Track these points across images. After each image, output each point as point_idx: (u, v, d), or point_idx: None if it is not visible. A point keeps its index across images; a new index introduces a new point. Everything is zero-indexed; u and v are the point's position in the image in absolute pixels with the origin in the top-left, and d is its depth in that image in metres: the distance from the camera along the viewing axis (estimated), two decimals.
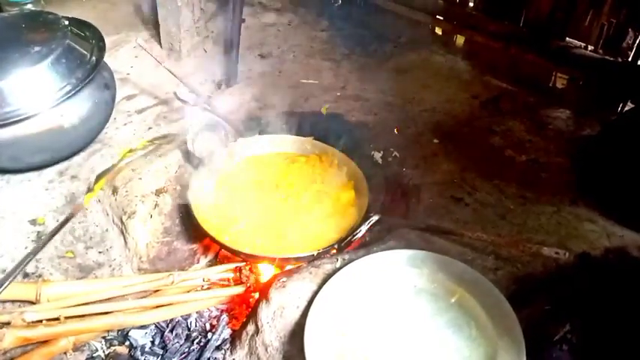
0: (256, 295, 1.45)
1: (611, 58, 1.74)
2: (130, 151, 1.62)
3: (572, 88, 1.82)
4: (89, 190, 1.51)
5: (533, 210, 1.43)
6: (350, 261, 1.27)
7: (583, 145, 1.63)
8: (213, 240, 1.36)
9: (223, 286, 1.48)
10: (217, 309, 1.49)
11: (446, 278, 1.20)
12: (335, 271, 1.25)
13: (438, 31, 2.15)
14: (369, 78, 1.98)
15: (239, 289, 1.46)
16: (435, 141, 1.68)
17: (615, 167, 1.42)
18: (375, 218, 1.31)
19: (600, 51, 1.77)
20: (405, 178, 1.59)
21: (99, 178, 1.53)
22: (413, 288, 1.21)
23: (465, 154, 1.62)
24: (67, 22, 1.61)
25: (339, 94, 1.90)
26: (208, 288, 1.48)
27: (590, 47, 1.79)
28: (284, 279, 1.26)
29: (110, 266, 1.48)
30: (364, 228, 1.30)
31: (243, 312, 1.49)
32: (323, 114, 1.80)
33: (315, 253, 1.31)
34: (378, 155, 1.70)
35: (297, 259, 1.32)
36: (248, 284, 1.46)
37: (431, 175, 1.56)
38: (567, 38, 1.77)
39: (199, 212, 1.42)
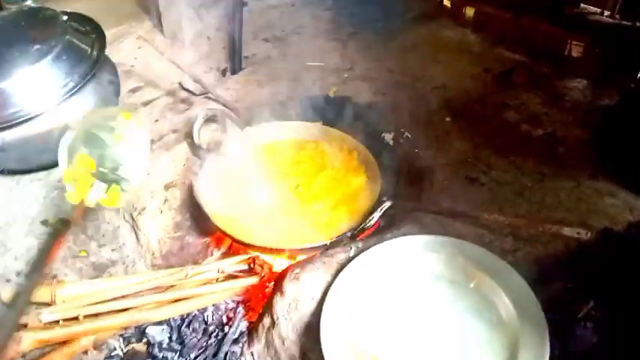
0: (271, 285, 1.44)
1: (629, 23, 1.66)
2: None
3: (588, 56, 1.74)
4: None
5: (551, 186, 1.38)
6: (364, 249, 1.24)
7: (602, 115, 1.57)
8: (224, 233, 1.34)
9: (238, 277, 1.47)
10: (233, 301, 1.48)
11: (464, 263, 1.17)
12: (349, 260, 1.23)
13: (447, 3, 2.08)
14: (376, 57, 1.92)
15: (253, 280, 1.44)
16: (448, 119, 1.63)
17: (636, 137, 1.36)
18: (387, 204, 1.27)
19: (617, 16, 1.69)
20: (418, 159, 1.55)
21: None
22: (430, 274, 1.18)
23: (478, 131, 1.57)
24: (65, 18, 1.58)
25: (346, 75, 1.85)
26: (223, 280, 1.48)
27: (606, 13, 1.71)
28: (297, 270, 1.23)
29: (124, 263, 1.47)
30: (377, 215, 1.27)
31: (259, 302, 1.48)
32: (331, 97, 1.75)
33: (328, 243, 1.28)
34: (388, 137, 1.66)
35: (310, 249, 1.29)
36: (262, 274, 1.45)
37: (444, 155, 1.51)
38: (582, 4, 1.69)
39: (209, 205, 1.40)
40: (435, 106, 1.68)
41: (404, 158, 1.58)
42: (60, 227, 1.37)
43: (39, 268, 1.29)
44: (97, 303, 1.29)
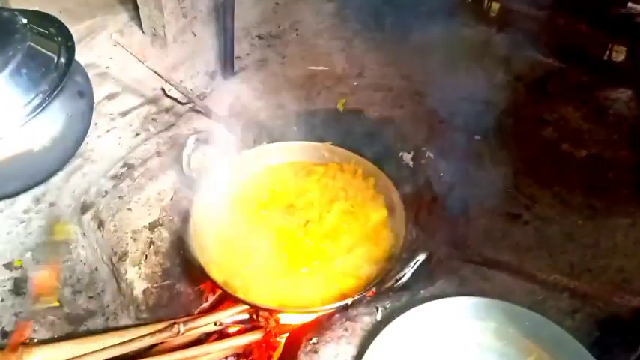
0: (278, 340, 1.23)
1: None
2: None
3: (632, 62, 1.53)
4: None
5: (605, 225, 1.19)
6: (393, 311, 1.04)
7: None
8: (222, 290, 1.12)
9: (237, 332, 1.27)
10: (233, 355, 1.28)
11: (518, 333, 0.97)
12: (376, 326, 1.02)
13: None
14: (388, 60, 1.68)
15: (257, 335, 1.24)
16: (477, 137, 1.41)
17: None
18: (422, 257, 1.06)
19: None
20: (443, 186, 1.33)
21: None
22: (476, 346, 0.98)
23: (514, 153, 1.37)
24: (25, 21, 1.31)
25: (355, 83, 1.61)
26: (221, 333, 1.27)
27: None
28: (314, 340, 1.03)
29: (104, 314, 1.26)
30: (409, 271, 1.05)
31: (264, 355, 1.29)
32: (340, 110, 1.52)
33: (350, 302, 1.07)
34: (407, 157, 1.44)
35: (327, 309, 1.08)
36: (267, 328, 1.24)
37: (477, 183, 1.30)
38: (629, 4, 1.47)
39: (202, 251, 1.18)
40: (462, 121, 1.45)
41: (427, 185, 1.36)
42: None
43: None
44: None
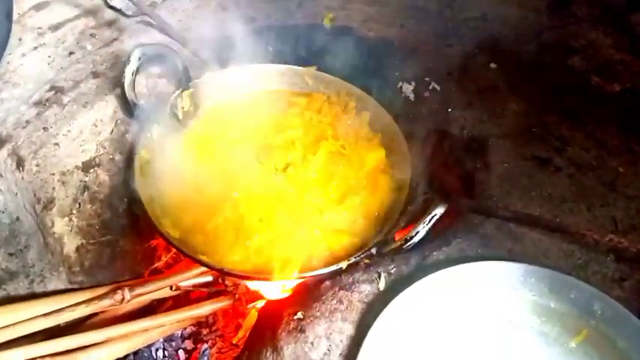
0: (251, 308, 1.02)
1: None
2: None
3: None
4: None
5: None
6: (399, 278, 0.82)
7: None
8: (178, 249, 0.87)
9: (200, 298, 1.03)
10: (193, 326, 1.06)
11: (561, 308, 0.77)
12: (378, 297, 0.80)
13: None
14: None
15: (223, 303, 1.01)
16: (492, 65, 1.19)
17: None
18: (440, 211, 0.82)
19: None
20: (456, 124, 1.10)
21: None
22: (507, 324, 0.78)
23: (537, 86, 1.15)
24: None
25: None
26: (178, 300, 1.04)
27: None
28: (299, 315, 0.80)
29: (27, 276, 1.02)
30: (423, 229, 0.82)
31: (232, 325, 1.08)
32: (326, 27, 1.24)
33: (343, 267, 0.83)
34: (408, 88, 1.19)
35: (315, 275, 0.85)
36: (237, 294, 1.02)
37: (495, 120, 1.07)
38: None
39: (151, 200, 0.93)
40: (474, 45, 1.22)
41: (433, 121, 1.12)
42: None
43: None
44: None
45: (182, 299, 1.06)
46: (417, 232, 0.81)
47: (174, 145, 1.03)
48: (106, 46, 1.23)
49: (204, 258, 0.86)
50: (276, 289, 0.93)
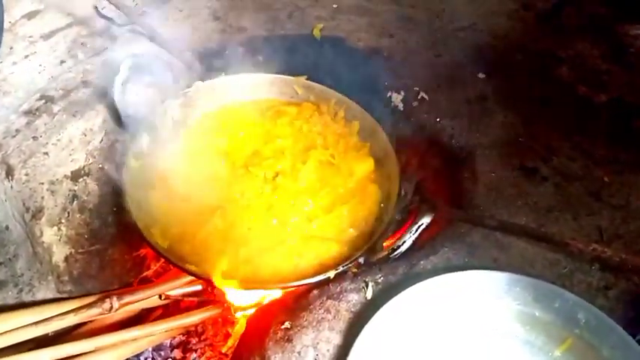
0: (239, 316, 1.02)
1: None
2: None
3: None
4: None
5: (634, 182, 1.01)
6: (387, 287, 0.82)
7: None
8: (166, 259, 0.87)
9: (188, 307, 1.03)
10: (182, 335, 1.06)
11: (546, 316, 0.77)
12: (365, 306, 0.80)
13: None
14: None
15: (213, 312, 1.01)
16: (481, 75, 1.20)
17: None
18: (426, 220, 0.83)
19: None
20: (443, 133, 1.11)
21: None
22: (493, 333, 0.78)
23: (524, 96, 1.16)
24: None
25: (335, 5, 1.35)
26: (167, 309, 1.04)
27: None
28: (287, 324, 0.80)
29: (16, 285, 1.01)
30: (409, 238, 0.82)
31: (220, 333, 1.08)
32: (316, 37, 1.25)
33: (331, 277, 0.84)
34: (397, 98, 1.20)
35: (302, 285, 0.85)
36: (225, 303, 1.02)
37: (483, 130, 1.09)
38: None
39: (140, 210, 0.92)
40: (462, 55, 1.23)
41: (422, 131, 1.13)
42: None
43: None
44: None
45: (171, 308, 1.06)
46: (404, 242, 0.82)
47: (164, 154, 1.03)
48: (97, 55, 1.23)
49: (192, 267, 0.86)
50: (263, 297, 0.94)
